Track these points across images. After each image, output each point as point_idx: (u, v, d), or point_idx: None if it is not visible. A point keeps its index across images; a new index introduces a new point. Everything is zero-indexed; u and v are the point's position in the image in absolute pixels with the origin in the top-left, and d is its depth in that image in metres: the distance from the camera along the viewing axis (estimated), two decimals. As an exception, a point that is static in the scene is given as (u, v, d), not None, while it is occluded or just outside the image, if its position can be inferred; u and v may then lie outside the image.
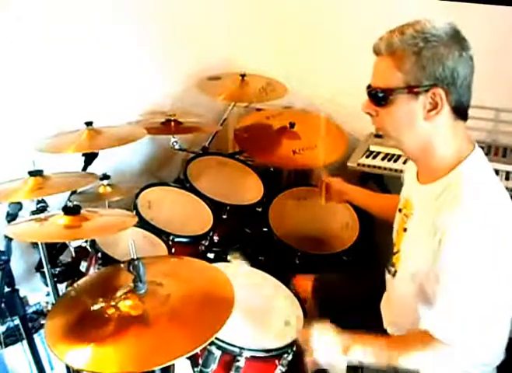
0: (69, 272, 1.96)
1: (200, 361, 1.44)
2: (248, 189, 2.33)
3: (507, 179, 2.04)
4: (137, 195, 2.10)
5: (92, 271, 1.82)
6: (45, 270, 1.67)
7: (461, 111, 1.23)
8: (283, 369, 1.48)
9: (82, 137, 1.83)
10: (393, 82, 1.21)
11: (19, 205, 1.65)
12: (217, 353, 1.42)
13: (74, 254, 1.94)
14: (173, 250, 1.92)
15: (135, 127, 2.10)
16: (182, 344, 1.15)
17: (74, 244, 1.90)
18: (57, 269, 1.96)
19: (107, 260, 1.78)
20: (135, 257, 1.26)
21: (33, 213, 1.67)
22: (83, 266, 1.89)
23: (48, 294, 2.02)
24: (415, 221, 1.34)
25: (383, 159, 2.24)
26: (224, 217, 2.16)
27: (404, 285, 1.37)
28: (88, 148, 1.86)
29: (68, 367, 1.73)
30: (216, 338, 1.34)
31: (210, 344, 1.39)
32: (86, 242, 1.86)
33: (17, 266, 1.89)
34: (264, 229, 2.13)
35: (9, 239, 1.56)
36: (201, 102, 2.59)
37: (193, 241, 2.02)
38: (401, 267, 1.40)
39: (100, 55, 2.29)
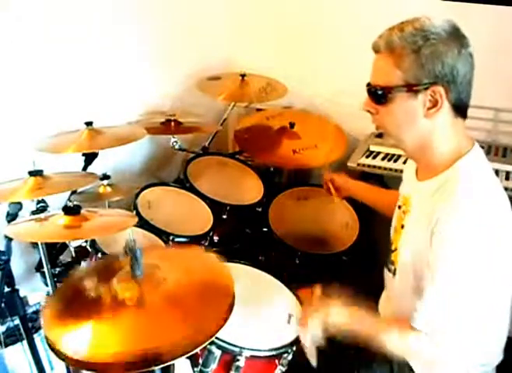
0: (69, 272, 1.96)
1: (200, 361, 1.44)
2: (248, 189, 2.33)
3: (507, 179, 2.04)
4: (137, 195, 2.10)
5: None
6: (45, 270, 1.67)
7: (461, 108, 1.23)
8: (283, 369, 1.48)
9: (82, 137, 1.83)
10: (392, 80, 1.20)
11: (19, 205, 1.65)
12: (217, 352, 1.42)
13: (74, 254, 1.94)
14: (173, 250, 1.92)
15: (135, 127, 2.10)
16: (179, 327, 1.16)
17: (74, 244, 1.90)
18: (57, 269, 1.96)
19: (107, 260, 1.78)
20: (132, 239, 1.26)
21: (33, 213, 1.66)
22: (83, 266, 1.89)
23: (48, 294, 2.02)
24: (412, 217, 1.34)
25: (383, 159, 2.24)
26: (224, 217, 2.16)
27: (404, 283, 1.36)
28: (88, 148, 1.86)
29: (68, 367, 1.73)
30: (216, 337, 1.33)
31: (210, 344, 1.39)
32: (86, 242, 1.87)
33: (17, 266, 1.88)
34: (264, 229, 2.12)
35: (9, 239, 1.55)
36: (201, 102, 2.59)
37: (193, 241, 2.01)
38: (400, 265, 1.39)
39: (100, 55, 2.29)
